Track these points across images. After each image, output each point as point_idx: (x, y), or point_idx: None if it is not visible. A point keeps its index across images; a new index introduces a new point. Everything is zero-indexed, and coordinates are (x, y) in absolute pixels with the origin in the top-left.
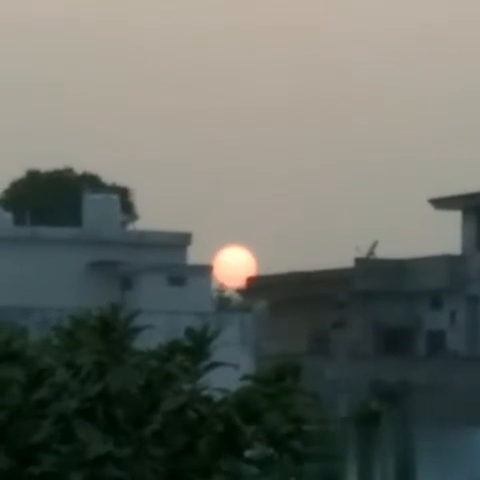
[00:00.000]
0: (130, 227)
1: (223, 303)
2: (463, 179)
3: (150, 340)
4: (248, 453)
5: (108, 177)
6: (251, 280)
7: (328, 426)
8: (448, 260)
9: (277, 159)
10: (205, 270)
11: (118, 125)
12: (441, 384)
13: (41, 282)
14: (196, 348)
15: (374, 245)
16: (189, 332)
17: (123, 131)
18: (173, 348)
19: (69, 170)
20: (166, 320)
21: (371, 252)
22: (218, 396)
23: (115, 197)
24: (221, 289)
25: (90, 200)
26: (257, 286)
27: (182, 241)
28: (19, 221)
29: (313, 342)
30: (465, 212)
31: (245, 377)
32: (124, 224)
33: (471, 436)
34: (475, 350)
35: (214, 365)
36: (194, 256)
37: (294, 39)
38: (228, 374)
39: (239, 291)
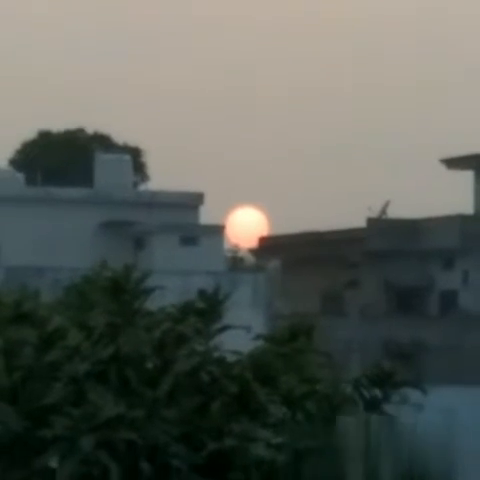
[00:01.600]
0: (142, 187)
1: (236, 263)
2: (475, 139)
3: (163, 300)
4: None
5: (119, 137)
6: (263, 240)
7: (340, 386)
8: (460, 220)
9: (289, 119)
10: (217, 230)
11: (129, 84)
12: (454, 344)
13: (53, 242)
14: (208, 310)
15: (386, 205)
16: (201, 294)
17: (134, 90)
18: (186, 309)
19: (81, 130)
20: (178, 280)
21: (383, 212)
22: (231, 358)
23: (127, 157)
24: (235, 249)
25: (102, 160)
26: (270, 246)
27: (194, 201)
28: (31, 182)
29: (326, 302)
30: (477, 171)
31: (258, 336)
32: (136, 184)
33: None
34: None
35: (226, 327)
36: (206, 216)
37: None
38: (241, 334)
39: (251, 251)
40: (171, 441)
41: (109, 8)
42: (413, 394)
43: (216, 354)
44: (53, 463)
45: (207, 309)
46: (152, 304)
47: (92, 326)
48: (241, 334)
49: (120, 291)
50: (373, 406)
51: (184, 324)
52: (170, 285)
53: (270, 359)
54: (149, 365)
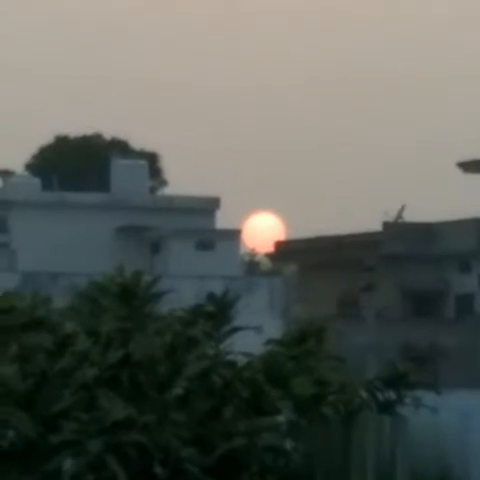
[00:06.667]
0: (159, 192)
1: (253, 268)
2: None
3: (179, 305)
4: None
5: (137, 143)
6: (280, 244)
7: (353, 389)
8: (477, 223)
9: (305, 123)
10: (234, 235)
11: (146, 90)
12: (470, 347)
13: (70, 248)
14: (218, 313)
15: (402, 209)
16: (210, 297)
17: (151, 96)
18: (196, 313)
19: (98, 136)
20: (195, 285)
21: (399, 216)
22: (242, 360)
23: (143, 162)
24: (251, 254)
25: (119, 165)
26: (286, 251)
27: (211, 205)
28: (47, 186)
29: (342, 306)
30: None
31: (269, 341)
32: (153, 189)
33: None
34: None
35: (236, 329)
36: (223, 221)
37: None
38: (253, 337)
39: (268, 256)
40: (182, 445)
41: (116, 11)
42: (427, 396)
43: (227, 357)
44: (67, 466)
45: (216, 312)
46: (168, 309)
47: (102, 332)
48: (253, 338)
49: (130, 296)
50: (386, 408)
51: (194, 328)
52: (186, 290)
53: (281, 361)
54: (160, 369)
